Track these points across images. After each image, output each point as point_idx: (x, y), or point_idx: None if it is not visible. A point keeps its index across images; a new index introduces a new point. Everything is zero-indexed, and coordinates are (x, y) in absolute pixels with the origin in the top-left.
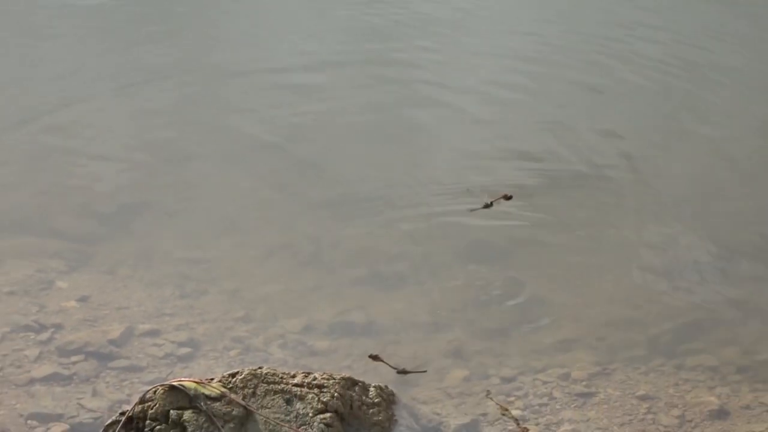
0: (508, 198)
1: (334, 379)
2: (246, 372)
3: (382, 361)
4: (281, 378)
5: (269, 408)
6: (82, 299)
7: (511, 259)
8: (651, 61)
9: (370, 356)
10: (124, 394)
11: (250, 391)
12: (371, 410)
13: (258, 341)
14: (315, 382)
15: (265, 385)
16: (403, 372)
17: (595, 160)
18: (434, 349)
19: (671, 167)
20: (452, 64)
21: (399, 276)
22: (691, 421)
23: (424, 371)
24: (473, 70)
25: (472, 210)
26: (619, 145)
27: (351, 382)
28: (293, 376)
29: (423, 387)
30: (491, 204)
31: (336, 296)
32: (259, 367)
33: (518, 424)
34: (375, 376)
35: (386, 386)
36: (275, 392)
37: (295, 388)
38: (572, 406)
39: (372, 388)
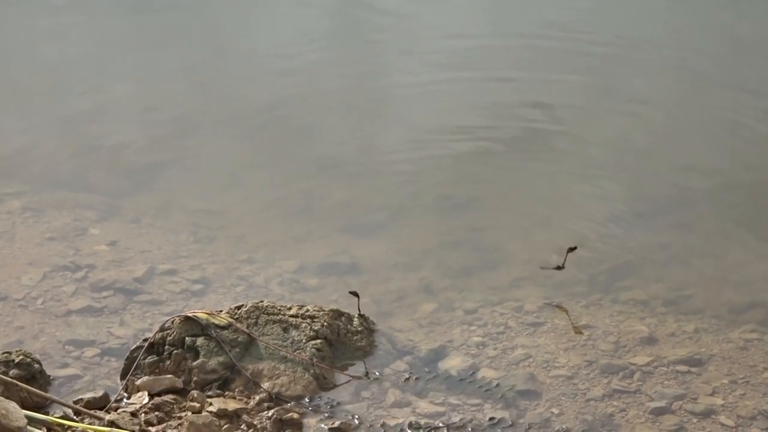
0: (572, 250)
1: (324, 311)
2: (249, 305)
3: (357, 298)
4: (279, 310)
5: (269, 335)
6: (112, 244)
7: (472, 211)
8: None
9: (351, 292)
10: (147, 324)
11: (253, 321)
12: (355, 337)
13: (259, 279)
14: (308, 313)
15: (266, 316)
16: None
17: (533, 127)
18: (407, 286)
19: (599, 132)
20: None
21: (378, 224)
22: (624, 346)
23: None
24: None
25: (542, 268)
26: (551, 113)
27: (338, 314)
28: (289, 309)
29: (398, 318)
30: (563, 265)
31: (325, 242)
32: (261, 301)
33: None
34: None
35: (368, 317)
36: (274, 322)
37: (291, 319)
38: (524, 333)
39: (356, 319)
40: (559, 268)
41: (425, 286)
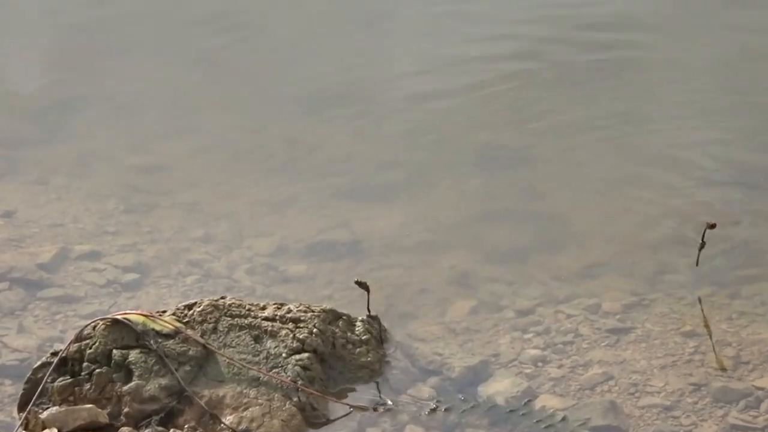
0: (712, 226)
1: (313, 311)
2: (205, 303)
3: (366, 291)
4: (248, 310)
5: (234, 347)
6: (6, 215)
7: (525, 166)
8: None
9: (358, 283)
10: (57, 331)
11: (211, 326)
12: (358, 349)
13: (220, 265)
14: (289, 315)
15: (229, 318)
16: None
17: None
18: (434, 275)
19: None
20: None
21: (390, 186)
22: (747, 362)
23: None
24: None
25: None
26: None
27: (333, 315)
28: (263, 308)
29: (420, 321)
30: (704, 243)
31: (315, 211)
32: (222, 297)
33: None
34: (364, 307)
35: (376, 319)
36: (241, 328)
37: (265, 323)
38: (603, 344)
39: (359, 323)
40: (702, 246)
41: (459, 276)
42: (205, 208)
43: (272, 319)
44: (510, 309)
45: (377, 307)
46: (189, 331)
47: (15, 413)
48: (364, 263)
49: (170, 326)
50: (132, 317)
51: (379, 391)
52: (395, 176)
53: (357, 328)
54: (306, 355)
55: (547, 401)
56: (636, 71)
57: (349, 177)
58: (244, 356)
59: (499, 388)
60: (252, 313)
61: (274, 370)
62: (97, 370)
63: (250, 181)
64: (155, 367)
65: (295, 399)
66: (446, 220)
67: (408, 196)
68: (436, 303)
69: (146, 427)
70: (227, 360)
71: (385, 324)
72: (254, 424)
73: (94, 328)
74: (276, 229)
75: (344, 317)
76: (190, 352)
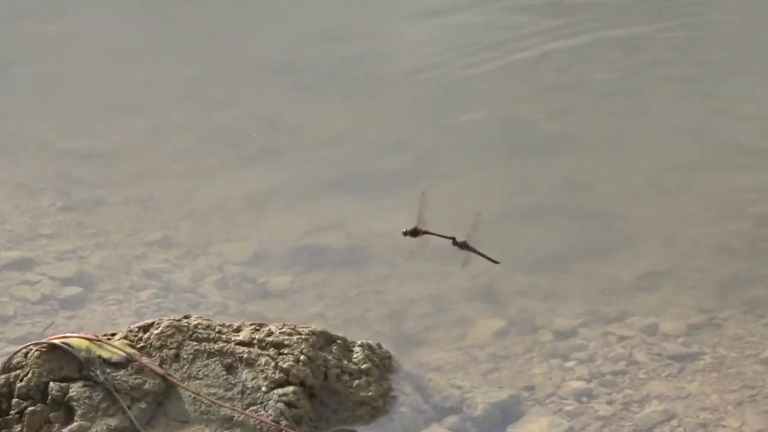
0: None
1: (300, 334)
2: (165, 324)
3: (426, 232)
4: (219, 333)
5: (201, 379)
6: None
7: (565, 150)
8: None
9: (406, 233)
10: None
11: (172, 352)
12: (357, 381)
13: (182, 276)
14: (270, 338)
15: (195, 343)
16: (461, 245)
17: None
18: (451, 287)
19: None
20: None
21: (395, 176)
22: None
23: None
24: None
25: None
26: None
27: (325, 339)
28: (237, 330)
29: (435, 346)
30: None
31: (300, 207)
32: (185, 317)
33: None
34: (363, 328)
35: (379, 344)
36: (210, 354)
37: (240, 349)
38: (663, 374)
39: (358, 348)
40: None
41: (482, 289)
42: (163, 204)
43: (249, 344)
44: (547, 330)
45: (381, 329)
46: (145, 359)
47: None
48: (364, 273)
49: (121, 353)
50: (73, 342)
51: None
52: (401, 163)
53: (355, 355)
54: (291, 388)
55: None
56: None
57: (344, 164)
58: (213, 390)
59: (534, 429)
60: (223, 337)
61: (251, 408)
62: (30, 408)
63: (218, 170)
64: (102, 405)
65: None
66: (464, 218)
67: (417, 189)
68: (455, 323)
69: None
70: (192, 395)
71: (391, 349)
72: None
73: (26, 355)
74: (252, 231)
75: (339, 341)
76: (147, 386)
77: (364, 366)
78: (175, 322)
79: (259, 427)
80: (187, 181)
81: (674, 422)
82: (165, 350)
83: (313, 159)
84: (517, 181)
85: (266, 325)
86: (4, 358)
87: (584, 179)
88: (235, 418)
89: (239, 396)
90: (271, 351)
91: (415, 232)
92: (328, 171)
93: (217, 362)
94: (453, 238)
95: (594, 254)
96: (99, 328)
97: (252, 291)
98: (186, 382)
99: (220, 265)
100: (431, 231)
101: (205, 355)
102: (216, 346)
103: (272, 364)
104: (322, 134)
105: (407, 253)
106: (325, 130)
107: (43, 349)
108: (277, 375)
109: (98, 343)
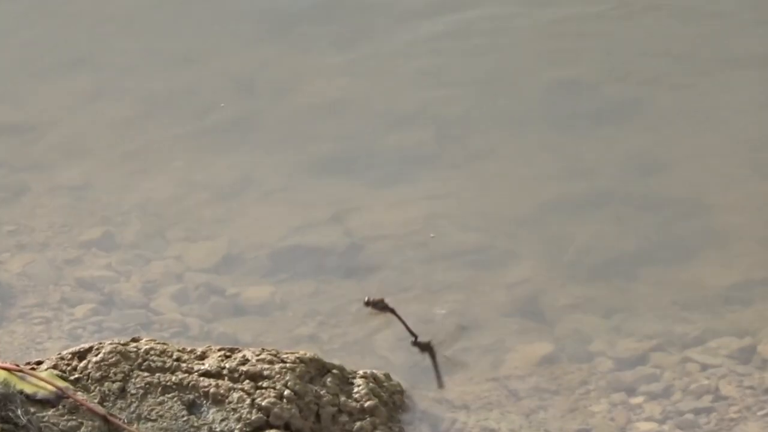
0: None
1: (284, 361)
2: (107, 349)
3: (391, 311)
4: (177, 360)
5: (154, 420)
6: None
7: (631, 122)
8: None
9: (368, 303)
10: None
11: (116, 386)
12: (358, 423)
13: (130, 287)
14: (245, 368)
15: (146, 374)
16: (422, 346)
17: None
18: (482, 300)
19: None
20: None
21: (407, 155)
22: None
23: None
24: None
25: None
26: None
27: (317, 368)
28: (201, 357)
29: (461, 376)
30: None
31: (284, 197)
32: (134, 339)
33: None
34: (366, 355)
35: (387, 375)
36: (166, 388)
37: (205, 381)
38: (760, 413)
39: (360, 380)
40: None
41: (523, 302)
42: (103, 193)
43: (217, 375)
44: (607, 356)
45: (389, 355)
46: (80, 395)
47: None
48: (367, 282)
49: (50, 387)
50: None
51: None
52: (416, 138)
53: (356, 389)
54: None
55: None
56: None
57: (341, 141)
58: None
59: None
60: (183, 366)
61: None
62: None
63: (178, 148)
64: None
65: None
66: (501, 210)
67: (437, 172)
68: (487, 347)
69: None
70: None
71: (402, 381)
72: None
73: None
74: (222, 228)
75: (335, 371)
76: (83, 429)
77: (367, 403)
78: (120, 347)
79: None
80: (135, 163)
81: None
82: (107, 383)
83: (300, 133)
84: (571, 161)
85: (239, 351)
86: None
87: (657, 159)
88: None
89: None
90: (246, 384)
91: (380, 306)
92: (321, 149)
93: (175, 399)
94: (416, 337)
95: (671, 256)
96: (20, 354)
97: (221, 306)
98: (134, 425)
99: (179, 273)
100: (399, 316)
101: (160, 389)
102: (174, 378)
103: (248, 401)
104: (314, 100)
105: (365, 297)
106: (317, 94)
107: None
108: (254, 415)
109: (19, 374)
